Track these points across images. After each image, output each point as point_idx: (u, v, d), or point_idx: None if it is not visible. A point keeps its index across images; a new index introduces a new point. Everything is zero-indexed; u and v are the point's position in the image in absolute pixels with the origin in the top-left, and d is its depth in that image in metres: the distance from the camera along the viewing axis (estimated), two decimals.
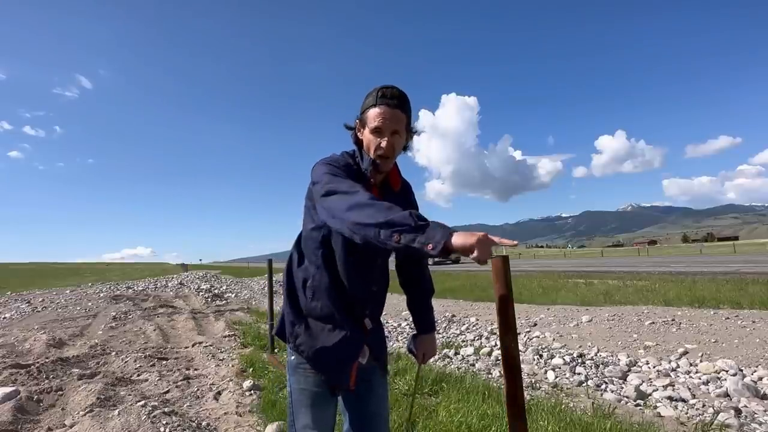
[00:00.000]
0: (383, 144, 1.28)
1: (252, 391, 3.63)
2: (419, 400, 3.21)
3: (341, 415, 1.47)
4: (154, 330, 6.96)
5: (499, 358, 1.90)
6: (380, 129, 1.27)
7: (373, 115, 1.27)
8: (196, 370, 4.50)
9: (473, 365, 5.15)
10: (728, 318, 5.97)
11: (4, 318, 9.68)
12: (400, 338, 7.12)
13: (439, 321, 8.30)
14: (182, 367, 4.54)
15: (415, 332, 1.60)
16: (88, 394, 3.36)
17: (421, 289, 1.60)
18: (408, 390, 3.42)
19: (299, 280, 1.36)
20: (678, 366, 4.69)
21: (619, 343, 5.70)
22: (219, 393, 3.66)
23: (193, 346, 5.73)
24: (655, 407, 3.59)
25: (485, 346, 6.10)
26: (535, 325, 7.18)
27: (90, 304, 11.76)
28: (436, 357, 5.39)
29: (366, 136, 1.31)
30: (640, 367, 4.82)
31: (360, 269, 1.34)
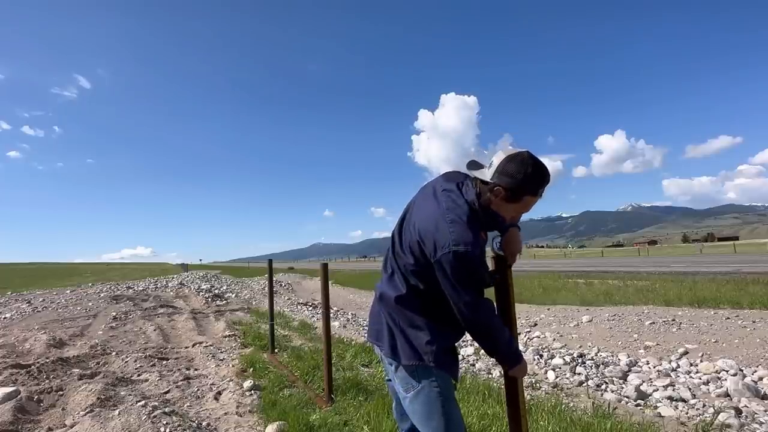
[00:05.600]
0: (518, 217, 1.59)
1: (252, 391, 3.63)
2: None
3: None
4: (155, 330, 6.95)
5: None
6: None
7: (530, 203, 1.46)
8: (196, 370, 4.50)
9: (473, 365, 5.15)
10: (728, 318, 5.97)
11: (5, 318, 9.67)
12: None
13: None
14: (182, 367, 4.54)
15: (497, 235, 1.69)
16: (88, 394, 3.36)
17: None
18: None
19: (441, 311, 1.51)
20: (678, 366, 4.69)
21: (620, 343, 5.70)
22: (219, 393, 3.65)
23: (193, 346, 5.73)
24: (656, 407, 3.59)
25: None
26: (535, 325, 7.18)
27: (90, 304, 11.75)
28: None
29: (506, 205, 1.45)
30: (641, 367, 4.82)
31: None
